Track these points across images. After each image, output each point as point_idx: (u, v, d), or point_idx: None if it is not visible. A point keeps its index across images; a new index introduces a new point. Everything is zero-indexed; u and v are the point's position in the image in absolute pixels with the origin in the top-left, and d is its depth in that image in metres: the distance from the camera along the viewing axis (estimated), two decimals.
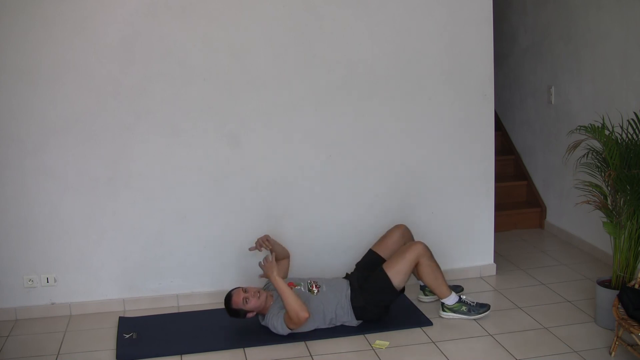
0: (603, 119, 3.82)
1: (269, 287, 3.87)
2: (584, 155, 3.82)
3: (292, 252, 4.12)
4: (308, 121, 4.17)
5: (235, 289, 3.73)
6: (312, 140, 4.19)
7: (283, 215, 4.22)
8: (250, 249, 3.97)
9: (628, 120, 3.78)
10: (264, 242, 3.90)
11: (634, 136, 3.64)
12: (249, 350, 3.59)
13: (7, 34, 3.73)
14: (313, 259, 4.27)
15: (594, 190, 3.73)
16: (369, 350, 3.56)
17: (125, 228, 4.07)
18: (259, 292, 3.69)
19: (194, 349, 3.62)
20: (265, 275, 3.70)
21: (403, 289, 3.82)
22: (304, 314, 3.53)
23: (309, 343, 3.63)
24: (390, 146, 4.30)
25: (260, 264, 3.75)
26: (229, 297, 3.69)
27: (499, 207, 4.96)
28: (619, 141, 3.66)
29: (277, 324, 3.63)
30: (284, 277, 3.91)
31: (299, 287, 3.79)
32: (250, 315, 3.69)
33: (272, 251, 3.89)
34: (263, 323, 3.74)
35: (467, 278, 4.49)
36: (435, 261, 3.85)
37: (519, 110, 5.91)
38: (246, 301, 3.64)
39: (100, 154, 3.96)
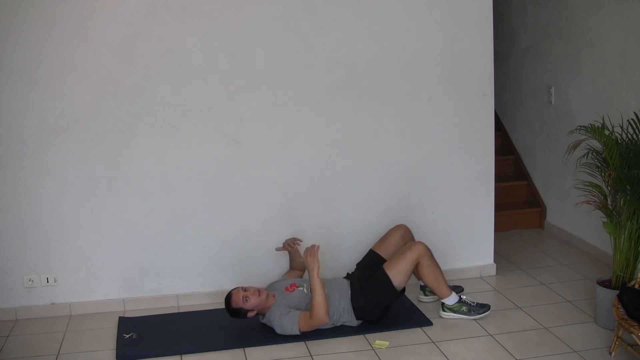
0: (603, 119, 3.82)
1: (271, 288, 3.87)
2: (584, 155, 3.82)
3: None
4: (308, 121, 4.17)
5: (234, 288, 3.74)
6: (312, 140, 4.19)
7: (283, 215, 4.22)
8: (277, 249, 4.09)
9: (628, 120, 3.78)
10: (293, 242, 4.03)
11: (634, 136, 3.64)
12: (249, 350, 3.59)
13: (7, 34, 3.73)
14: None
15: (594, 190, 3.73)
16: (369, 350, 3.56)
17: (125, 228, 4.07)
18: (258, 290, 3.70)
19: (194, 349, 3.62)
20: (306, 267, 3.70)
21: (404, 290, 3.82)
22: (326, 318, 3.58)
23: (309, 343, 3.63)
24: (390, 146, 4.30)
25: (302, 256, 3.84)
26: (228, 297, 3.70)
27: (499, 207, 4.95)
28: (619, 141, 3.66)
29: (285, 323, 3.61)
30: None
31: (301, 288, 3.79)
32: (250, 314, 3.69)
33: (293, 257, 4.09)
34: (263, 321, 3.74)
35: (467, 278, 4.49)
36: (435, 261, 3.85)
37: (519, 110, 5.91)
38: (246, 299, 3.64)
39: (100, 154, 3.96)
